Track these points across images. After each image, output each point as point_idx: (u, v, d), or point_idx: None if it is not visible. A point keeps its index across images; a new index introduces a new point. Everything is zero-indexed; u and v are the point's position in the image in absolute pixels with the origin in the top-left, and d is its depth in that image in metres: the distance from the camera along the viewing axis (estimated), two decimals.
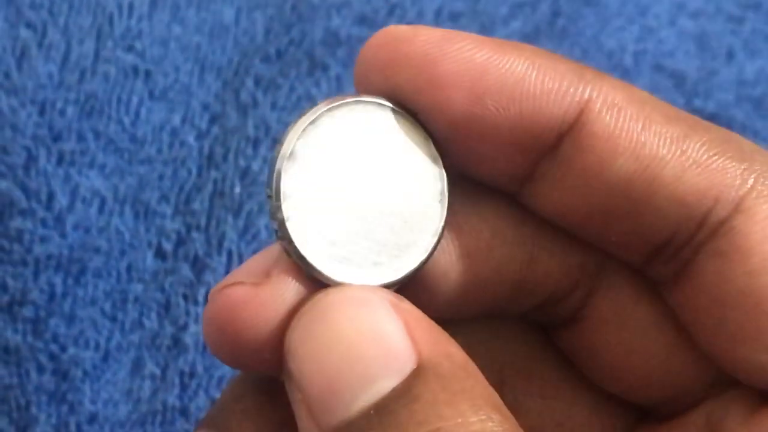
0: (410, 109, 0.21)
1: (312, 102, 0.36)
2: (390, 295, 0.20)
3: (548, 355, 0.25)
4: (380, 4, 0.37)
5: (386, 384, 0.19)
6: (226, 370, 0.34)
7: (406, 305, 0.20)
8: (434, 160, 0.21)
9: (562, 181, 0.21)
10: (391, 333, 0.19)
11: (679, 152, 0.21)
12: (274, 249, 0.22)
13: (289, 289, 0.21)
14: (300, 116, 0.21)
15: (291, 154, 0.21)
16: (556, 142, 0.21)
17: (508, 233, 0.22)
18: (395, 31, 0.21)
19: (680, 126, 0.21)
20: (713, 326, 0.21)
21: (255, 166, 0.35)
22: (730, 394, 0.22)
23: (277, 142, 0.21)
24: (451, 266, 0.22)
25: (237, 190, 0.35)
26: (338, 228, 0.21)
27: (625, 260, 0.22)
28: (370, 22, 0.37)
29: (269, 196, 0.21)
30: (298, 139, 0.21)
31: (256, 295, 0.21)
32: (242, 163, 0.35)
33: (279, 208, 0.21)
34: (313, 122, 0.21)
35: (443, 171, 0.22)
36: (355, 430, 0.19)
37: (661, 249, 0.22)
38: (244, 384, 0.23)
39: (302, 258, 0.21)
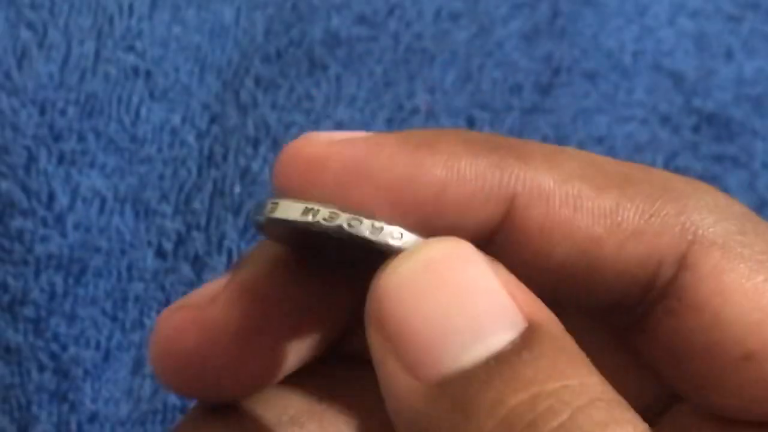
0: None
1: (312, 100, 0.37)
2: (486, 256, 0.20)
3: None
4: (380, 5, 0.38)
5: (504, 337, 0.18)
6: None
7: (502, 268, 0.20)
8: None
9: (508, 262, 0.20)
10: (498, 289, 0.19)
11: (614, 227, 0.20)
12: (225, 276, 0.21)
13: (234, 312, 0.21)
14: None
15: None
16: (489, 239, 0.21)
17: None
18: (309, 149, 0.20)
19: (612, 194, 0.21)
20: (678, 375, 0.21)
21: (255, 165, 0.36)
22: (681, 409, 0.22)
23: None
24: None
25: (237, 189, 0.35)
26: None
27: (582, 315, 0.22)
28: (370, 23, 0.37)
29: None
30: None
31: (199, 319, 0.21)
32: (242, 162, 0.36)
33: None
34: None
35: None
36: (471, 383, 0.18)
37: (613, 308, 0.21)
38: (198, 410, 0.23)
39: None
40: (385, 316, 0.19)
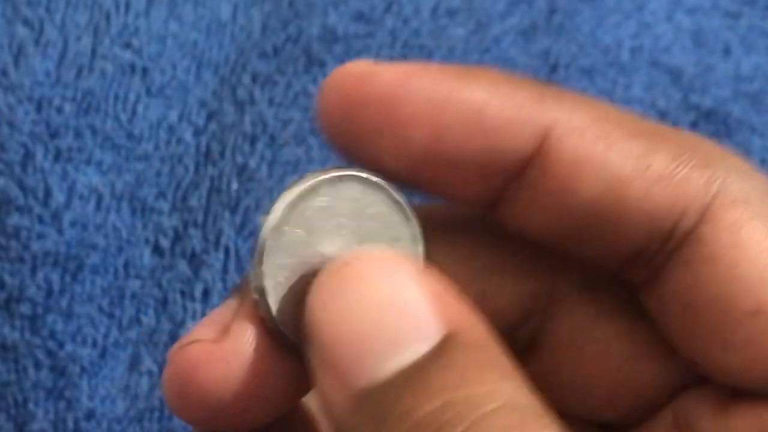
0: (385, 177, 0.21)
1: (309, 96, 0.36)
2: (414, 263, 0.20)
3: None
4: (377, 1, 0.37)
5: (417, 348, 0.19)
6: None
7: (434, 272, 0.20)
8: (411, 229, 0.22)
9: (531, 205, 0.21)
10: (418, 300, 0.19)
11: (643, 169, 0.21)
12: (232, 302, 0.22)
13: (249, 344, 0.21)
14: (286, 190, 0.21)
15: (274, 229, 0.21)
16: (521, 169, 0.21)
17: (457, 271, 0.22)
18: (356, 69, 0.21)
19: (643, 141, 0.21)
20: (686, 329, 0.22)
21: (252, 162, 0.36)
22: (698, 393, 0.22)
23: (263, 215, 0.21)
24: None
25: (234, 186, 0.35)
26: None
27: (597, 268, 0.23)
28: (367, 19, 0.37)
29: (252, 270, 0.21)
30: (282, 215, 0.21)
31: (215, 352, 0.21)
32: (239, 159, 0.36)
33: (259, 283, 0.21)
34: (299, 198, 0.21)
35: (418, 231, 0.22)
36: (387, 393, 0.19)
37: (633, 258, 0.22)
38: None
39: (278, 330, 0.21)
40: (315, 329, 0.20)
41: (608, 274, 0.22)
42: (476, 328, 0.20)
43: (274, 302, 0.21)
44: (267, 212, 0.21)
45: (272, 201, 0.21)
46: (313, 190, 0.21)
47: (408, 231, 0.22)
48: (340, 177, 0.21)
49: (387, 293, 0.20)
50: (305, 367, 0.21)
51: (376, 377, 0.19)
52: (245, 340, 0.21)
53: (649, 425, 0.23)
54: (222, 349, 0.21)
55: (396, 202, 0.22)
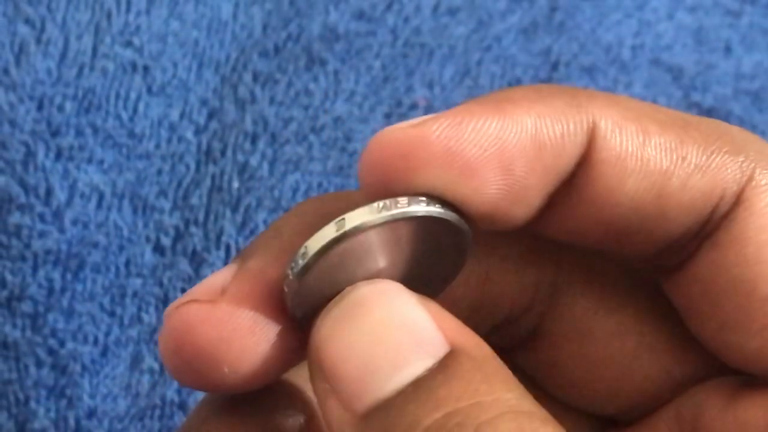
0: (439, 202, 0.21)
1: (311, 95, 0.36)
2: (414, 293, 0.21)
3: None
4: (378, 0, 0.38)
5: (421, 365, 0.19)
6: None
7: (431, 300, 0.21)
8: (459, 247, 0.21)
9: (575, 208, 0.22)
10: (422, 320, 0.20)
11: (680, 160, 0.21)
12: (232, 266, 0.22)
13: (245, 306, 0.21)
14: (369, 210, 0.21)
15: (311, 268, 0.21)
16: (570, 177, 0.21)
17: None
18: (401, 136, 0.21)
19: (675, 131, 0.21)
20: (705, 313, 0.22)
21: (253, 161, 0.36)
22: (705, 388, 0.23)
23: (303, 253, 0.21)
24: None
25: (235, 185, 0.35)
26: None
27: (629, 262, 0.23)
28: (368, 17, 0.37)
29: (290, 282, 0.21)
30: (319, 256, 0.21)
31: (212, 313, 0.21)
32: (240, 158, 0.36)
33: (297, 305, 0.21)
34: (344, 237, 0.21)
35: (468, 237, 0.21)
36: (392, 408, 0.19)
37: (667, 248, 0.22)
38: (209, 405, 0.23)
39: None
40: (320, 358, 0.20)
41: (635, 263, 0.23)
42: (480, 346, 0.20)
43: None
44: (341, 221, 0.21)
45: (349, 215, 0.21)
46: (393, 225, 0.21)
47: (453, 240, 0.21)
48: (431, 218, 0.21)
49: (391, 315, 0.20)
50: (301, 336, 0.21)
51: (381, 395, 0.19)
52: (242, 299, 0.21)
53: (651, 420, 0.23)
54: (219, 309, 0.21)
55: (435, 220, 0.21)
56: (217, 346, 0.21)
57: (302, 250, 0.20)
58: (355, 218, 0.20)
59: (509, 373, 0.20)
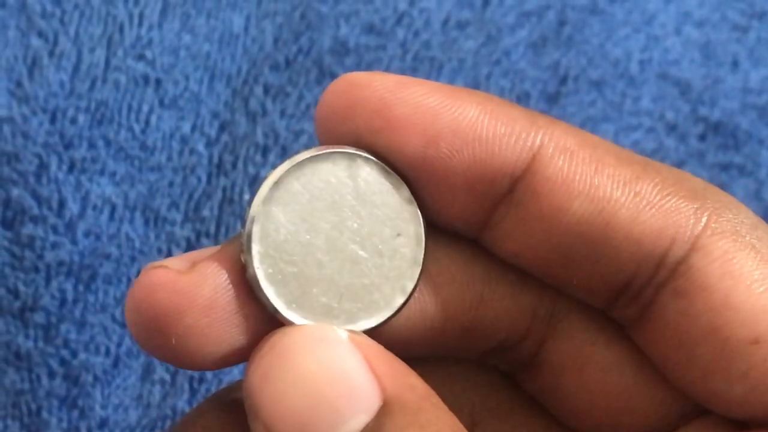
0: (382, 156, 0.21)
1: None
2: (346, 331, 0.20)
3: (520, 395, 0.25)
4: (388, 14, 0.38)
5: (357, 422, 0.19)
6: (236, 376, 0.34)
7: (364, 339, 0.20)
8: (409, 203, 0.22)
9: (519, 226, 0.21)
10: (354, 370, 0.20)
11: (632, 194, 0.21)
12: (213, 248, 0.22)
13: (207, 283, 0.21)
14: (274, 169, 0.21)
15: (265, 204, 0.21)
16: (510, 187, 0.21)
17: (456, 272, 0.22)
18: (352, 77, 0.21)
19: (632, 168, 0.21)
20: (682, 363, 0.21)
21: (264, 173, 0.36)
22: (700, 423, 0.22)
23: (252, 192, 0.21)
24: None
25: (246, 197, 0.36)
26: (307, 278, 0.21)
27: (587, 302, 0.23)
28: (378, 31, 0.38)
29: (241, 248, 0.21)
30: (270, 191, 0.21)
31: (174, 282, 0.21)
32: (251, 170, 0.36)
33: (249, 260, 0.21)
34: (286, 174, 0.21)
35: (418, 212, 0.22)
36: None
37: (622, 291, 0.22)
38: (207, 401, 0.23)
39: (268, 303, 0.21)
40: (256, 407, 0.20)
41: (592, 303, 0.22)
42: (414, 391, 0.20)
43: (262, 278, 0.21)
44: (253, 193, 0.21)
45: (258, 183, 0.21)
46: (293, 171, 0.21)
47: (413, 229, 0.22)
48: (357, 156, 0.21)
49: (323, 365, 0.20)
50: (265, 321, 0.21)
51: None
52: (207, 277, 0.21)
53: None
54: (181, 280, 0.21)
55: (408, 200, 0.22)
56: (169, 315, 0.21)
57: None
58: (277, 170, 0.21)
59: (447, 417, 0.20)
